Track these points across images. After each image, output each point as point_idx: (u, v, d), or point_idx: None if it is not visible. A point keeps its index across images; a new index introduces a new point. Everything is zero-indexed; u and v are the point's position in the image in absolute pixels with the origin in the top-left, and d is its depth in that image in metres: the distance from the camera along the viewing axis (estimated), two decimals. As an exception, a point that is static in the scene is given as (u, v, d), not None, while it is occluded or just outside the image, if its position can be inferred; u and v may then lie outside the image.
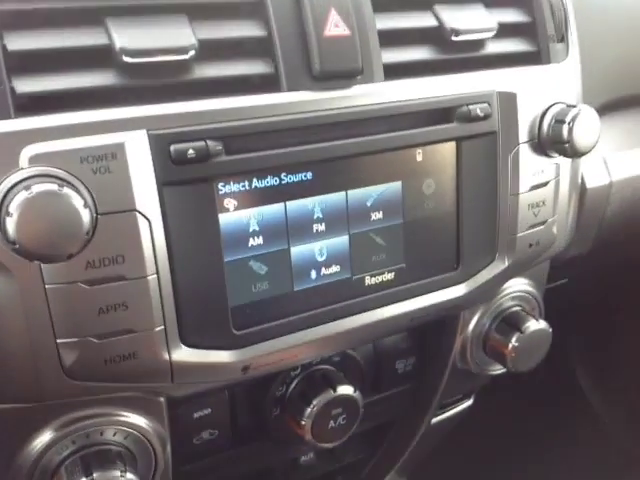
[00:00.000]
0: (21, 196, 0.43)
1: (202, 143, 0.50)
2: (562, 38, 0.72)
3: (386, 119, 0.59)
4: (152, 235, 0.50)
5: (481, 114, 0.62)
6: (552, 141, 0.66)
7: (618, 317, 1.31)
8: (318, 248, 0.60)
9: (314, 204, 0.58)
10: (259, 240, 0.56)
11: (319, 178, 0.58)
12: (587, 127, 0.65)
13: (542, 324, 0.77)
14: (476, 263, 0.68)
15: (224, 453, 0.72)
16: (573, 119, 0.65)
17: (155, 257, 0.50)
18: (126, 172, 0.48)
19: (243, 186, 0.54)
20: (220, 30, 0.53)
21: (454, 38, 0.63)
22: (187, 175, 0.51)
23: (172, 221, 0.51)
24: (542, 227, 0.70)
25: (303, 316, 0.60)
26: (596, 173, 0.82)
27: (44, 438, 0.55)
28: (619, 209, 0.84)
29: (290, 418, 0.70)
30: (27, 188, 0.43)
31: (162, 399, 0.59)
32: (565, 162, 0.71)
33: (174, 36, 0.51)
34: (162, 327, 0.52)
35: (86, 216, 0.45)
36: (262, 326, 0.58)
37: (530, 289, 0.81)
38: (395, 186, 0.62)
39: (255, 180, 0.55)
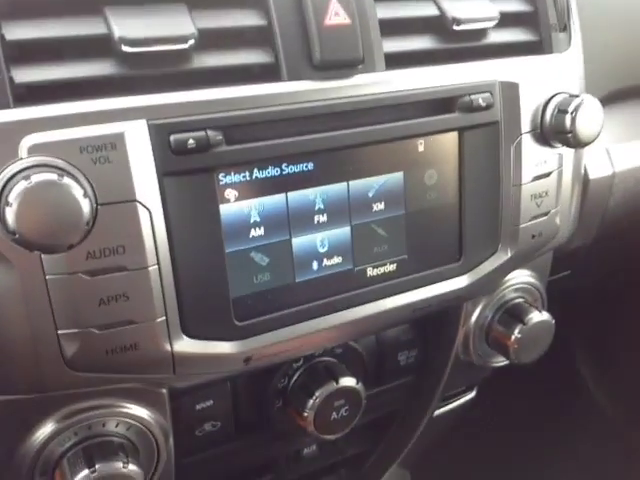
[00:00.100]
0: (20, 186, 0.43)
1: (202, 133, 0.50)
2: (564, 28, 0.72)
3: (387, 109, 0.58)
4: (153, 226, 0.50)
5: (483, 104, 0.62)
6: (555, 131, 0.65)
7: (620, 309, 1.31)
8: (320, 239, 0.59)
9: (315, 195, 0.58)
10: (260, 231, 0.56)
11: (320, 168, 0.57)
12: (590, 117, 0.65)
13: (545, 315, 0.76)
14: (479, 254, 0.68)
15: (226, 445, 0.72)
16: (576, 109, 0.64)
17: (156, 248, 0.50)
18: (126, 162, 0.48)
19: (244, 176, 0.54)
20: (220, 19, 0.53)
21: (456, 27, 0.62)
22: (187, 165, 0.50)
23: (173, 212, 0.51)
24: (545, 218, 0.70)
25: (305, 307, 0.59)
26: (599, 164, 0.81)
27: (46, 430, 0.55)
28: (622, 200, 0.84)
29: (292, 410, 0.69)
30: (26, 178, 0.43)
31: (164, 390, 0.59)
32: (568, 152, 0.71)
33: (173, 25, 0.51)
34: (163, 318, 0.52)
35: (86, 206, 0.44)
36: (264, 317, 0.57)
37: (533, 281, 0.80)
38: (397, 177, 0.61)
39: (256, 170, 0.54)
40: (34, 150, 0.45)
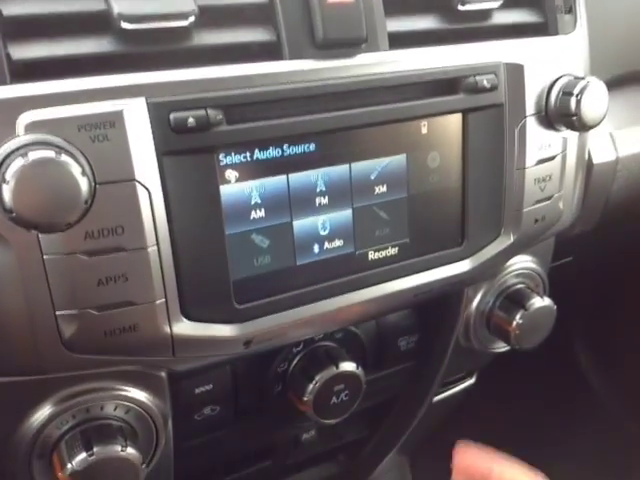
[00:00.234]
0: (18, 163, 0.42)
1: (202, 112, 0.49)
2: (570, 9, 0.70)
3: (391, 89, 0.57)
4: (152, 206, 0.49)
5: (488, 85, 0.61)
6: (560, 114, 0.64)
7: (620, 297, 1.31)
8: (321, 222, 0.59)
9: (317, 177, 0.57)
10: (261, 213, 0.55)
11: (322, 150, 0.56)
12: (595, 99, 0.64)
13: (546, 301, 0.76)
14: (481, 239, 0.67)
15: (225, 429, 0.72)
16: (581, 91, 0.63)
17: (155, 228, 0.49)
18: (125, 141, 0.47)
19: (244, 157, 0.53)
20: (221, -4, 0.52)
21: (460, 7, 0.61)
22: (187, 144, 0.49)
23: (172, 192, 0.50)
24: (548, 202, 0.69)
25: (306, 291, 0.59)
26: (602, 149, 0.81)
27: (44, 412, 0.54)
28: (625, 185, 0.83)
29: (292, 394, 0.69)
30: (24, 155, 0.42)
31: (163, 374, 0.59)
32: (572, 136, 0.70)
33: (173, 2, 0.49)
34: (163, 300, 0.51)
35: (84, 184, 0.44)
36: (264, 300, 0.57)
37: (534, 266, 0.80)
38: (399, 159, 0.61)
39: (257, 151, 0.54)
40: (31, 127, 0.44)
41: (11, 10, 0.46)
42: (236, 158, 0.53)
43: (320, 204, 0.58)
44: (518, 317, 0.74)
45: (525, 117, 0.64)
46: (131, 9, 0.48)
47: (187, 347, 0.54)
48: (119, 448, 0.54)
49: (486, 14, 0.64)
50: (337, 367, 0.67)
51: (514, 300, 0.76)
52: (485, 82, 0.61)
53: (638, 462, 1.28)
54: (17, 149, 0.43)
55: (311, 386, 0.67)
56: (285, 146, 0.55)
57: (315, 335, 0.70)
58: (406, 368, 0.84)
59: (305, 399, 0.67)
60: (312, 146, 0.56)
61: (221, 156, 0.52)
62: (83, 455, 0.53)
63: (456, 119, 0.62)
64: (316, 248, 0.59)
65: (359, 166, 0.59)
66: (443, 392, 0.90)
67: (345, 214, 0.60)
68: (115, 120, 0.46)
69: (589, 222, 0.83)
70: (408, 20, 0.60)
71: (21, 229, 0.43)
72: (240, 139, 0.52)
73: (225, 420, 0.70)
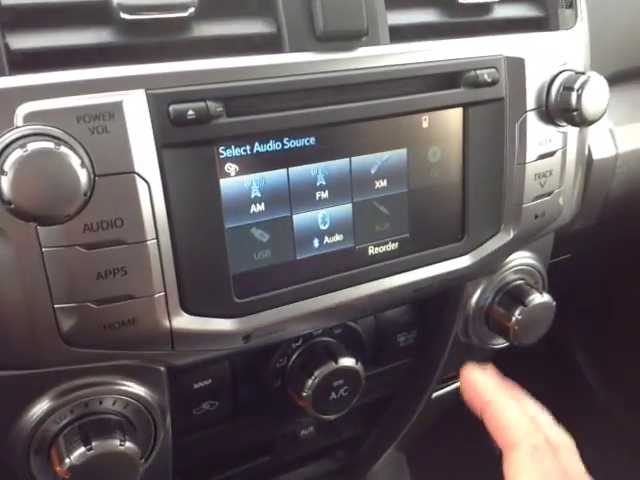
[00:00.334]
0: (16, 154, 0.41)
1: (202, 104, 0.49)
2: (570, 4, 0.70)
3: (391, 83, 0.57)
4: (151, 199, 0.48)
5: (489, 79, 0.61)
6: (560, 109, 0.64)
7: (618, 294, 1.31)
8: (321, 216, 0.58)
9: (317, 171, 0.57)
10: (261, 207, 0.55)
11: (322, 144, 0.56)
12: (596, 95, 0.64)
13: (546, 297, 0.76)
14: (481, 234, 0.67)
15: (224, 425, 0.72)
16: (582, 86, 0.63)
17: (155, 222, 0.49)
18: (124, 132, 0.46)
19: (244, 150, 0.53)
20: (221, -13, 0.52)
21: (461, 1, 0.61)
22: (187, 137, 0.49)
23: (172, 185, 0.49)
24: (548, 198, 0.69)
25: (305, 285, 0.58)
26: (602, 144, 0.80)
27: (42, 407, 0.54)
28: (624, 181, 0.83)
29: (291, 389, 0.69)
30: (22, 146, 0.42)
31: (162, 368, 0.58)
32: (572, 132, 0.70)
33: (173, -7, 0.49)
34: (162, 293, 0.51)
35: (83, 176, 0.43)
36: (264, 295, 0.56)
37: (534, 262, 0.80)
38: (400, 153, 0.60)
39: (257, 144, 0.53)
40: (30, 118, 0.44)
41: (10, 0, 0.46)
42: (236, 151, 0.52)
43: (320, 198, 0.58)
44: (517, 313, 0.74)
45: (526, 112, 0.64)
46: (131, 0, 0.47)
47: (186, 341, 0.54)
48: (118, 442, 0.53)
49: (487, 8, 0.64)
50: (336, 362, 0.67)
51: (513, 296, 0.76)
52: (486, 76, 0.60)
53: (638, 461, 1.28)
54: (16, 140, 0.43)
55: (310, 381, 0.67)
56: (285, 139, 0.54)
57: (314, 330, 0.70)
58: (405, 364, 0.84)
59: (304, 394, 0.67)
60: (312, 140, 0.56)
61: (221, 149, 0.52)
62: (82, 449, 0.52)
63: (457, 113, 0.62)
64: (316, 242, 0.59)
65: (359, 160, 0.58)
66: (442, 388, 0.90)
67: (345, 208, 0.59)
68: (114, 111, 0.46)
69: (589, 218, 0.83)
70: (409, 13, 0.59)
71: (20, 221, 0.43)
72: (240, 132, 0.51)
73: (224, 415, 0.70)
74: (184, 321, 0.52)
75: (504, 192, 0.66)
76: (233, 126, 0.51)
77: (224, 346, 0.57)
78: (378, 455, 0.97)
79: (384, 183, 0.60)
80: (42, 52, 0.46)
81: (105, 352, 0.51)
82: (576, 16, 0.70)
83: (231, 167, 0.53)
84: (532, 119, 0.65)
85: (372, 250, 0.62)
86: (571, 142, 0.70)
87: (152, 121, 0.47)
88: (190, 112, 0.48)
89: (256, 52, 0.52)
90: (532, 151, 0.66)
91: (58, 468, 0.53)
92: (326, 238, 0.59)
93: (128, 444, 0.54)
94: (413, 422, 0.92)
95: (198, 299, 0.53)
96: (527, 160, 0.66)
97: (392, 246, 0.63)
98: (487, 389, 0.52)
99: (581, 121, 0.64)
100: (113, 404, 0.56)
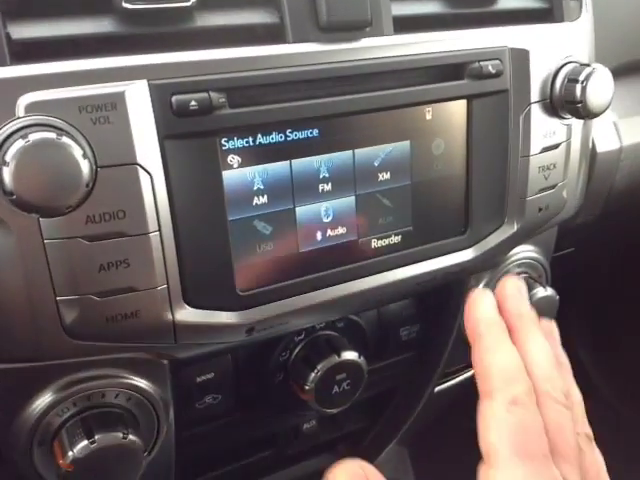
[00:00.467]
0: (18, 145, 0.41)
1: (205, 95, 0.48)
2: (575, -5, 0.70)
3: (395, 74, 0.57)
4: (154, 190, 0.48)
5: (493, 71, 0.60)
6: (565, 101, 0.64)
7: (621, 289, 1.30)
8: (324, 209, 0.58)
9: (320, 163, 0.56)
10: (264, 199, 0.55)
11: (325, 135, 0.56)
12: (601, 87, 0.63)
13: (549, 291, 0.76)
14: (484, 227, 0.67)
15: (226, 418, 0.71)
16: (587, 78, 0.63)
17: (157, 214, 0.49)
18: (126, 123, 0.46)
19: (247, 142, 0.52)
20: (223, -23, 0.51)
21: (466, -9, 0.61)
22: (189, 128, 0.49)
23: (174, 176, 0.49)
24: (552, 191, 0.69)
25: (308, 278, 0.58)
26: (606, 137, 0.80)
27: (44, 400, 0.54)
28: (628, 174, 0.83)
29: (294, 383, 0.69)
30: (24, 137, 0.41)
31: (165, 362, 0.58)
32: (577, 124, 0.69)
33: (175, -18, 0.49)
34: (165, 286, 0.50)
35: (85, 167, 0.43)
36: (267, 287, 0.56)
37: (537, 256, 0.79)
38: (403, 145, 0.60)
39: (260, 136, 0.53)
40: (32, 109, 0.43)
41: (10, -10, 0.45)
42: (239, 143, 0.52)
43: (323, 191, 0.57)
44: (521, 306, 0.74)
45: (530, 104, 0.63)
46: (133, -11, 0.47)
47: (189, 334, 0.53)
48: (120, 436, 0.53)
49: (491, -1, 0.63)
50: (339, 356, 0.67)
51: (517, 290, 0.76)
52: (490, 68, 0.60)
53: (637, 454, 1.28)
54: (17, 131, 0.42)
55: (313, 375, 0.66)
56: (288, 131, 0.54)
57: (317, 323, 0.69)
58: (407, 358, 0.84)
59: (307, 388, 0.67)
60: (315, 131, 0.55)
61: (223, 140, 0.51)
62: (84, 442, 0.52)
63: (461, 105, 0.61)
64: (319, 235, 0.59)
65: (362, 152, 0.58)
66: (444, 382, 0.90)
67: (348, 201, 0.59)
68: (116, 102, 0.45)
69: (592, 211, 0.83)
70: (413, 4, 0.59)
71: (21, 213, 0.43)
72: (243, 123, 0.51)
73: (226, 409, 0.70)
74: (187, 314, 0.52)
75: (508, 185, 0.65)
76: (236, 117, 0.50)
77: (227, 339, 0.57)
78: (380, 449, 0.97)
79: (387, 175, 0.60)
80: (44, 42, 0.46)
81: (108, 345, 0.51)
82: (581, 7, 0.70)
83: (234, 159, 0.52)
84: (536, 111, 0.64)
85: (375, 243, 0.62)
86: (575, 135, 0.69)
87: (154, 112, 0.47)
88: (192, 103, 0.48)
89: (259, 42, 0.52)
90: (536, 144, 0.65)
91: (61, 461, 0.52)
92: (329, 231, 0.59)
93: (131, 437, 0.54)
94: (416, 416, 0.92)
95: (201, 292, 0.53)
96: (531, 153, 0.65)
97: (395, 239, 0.62)
98: (482, 319, 0.45)
99: (585, 113, 0.64)
100: (116, 397, 0.56)
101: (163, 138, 0.48)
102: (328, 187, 0.57)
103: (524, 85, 0.63)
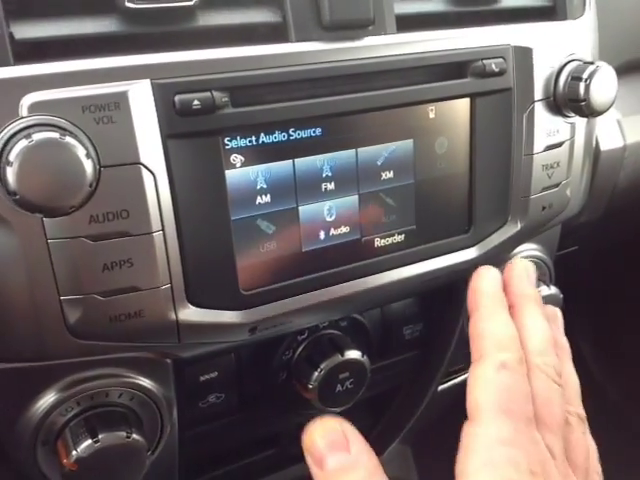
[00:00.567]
0: (21, 145, 0.41)
1: (208, 94, 0.48)
2: (579, -7, 0.70)
3: (398, 73, 0.57)
4: (157, 190, 0.48)
5: (496, 69, 0.60)
6: (568, 99, 0.63)
7: (624, 286, 1.30)
8: (327, 208, 0.58)
9: (323, 162, 0.56)
10: (267, 198, 0.55)
11: (329, 134, 0.56)
12: (604, 85, 0.63)
13: (553, 290, 0.75)
14: (488, 226, 0.67)
15: (230, 417, 0.71)
16: (590, 76, 0.63)
17: (161, 213, 0.49)
18: (130, 123, 0.46)
19: (250, 141, 0.52)
20: (226, -24, 0.51)
21: (469, -11, 0.61)
22: (192, 127, 0.49)
23: (177, 176, 0.49)
24: (556, 189, 0.68)
25: (311, 277, 0.58)
26: (610, 136, 0.80)
27: (48, 399, 0.54)
28: (632, 172, 0.82)
29: (297, 382, 0.69)
30: (27, 137, 0.41)
31: (168, 361, 0.58)
32: (580, 122, 0.69)
33: (178, -19, 0.49)
34: (168, 285, 0.50)
35: (89, 167, 0.43)
36: (270, 287, 0.56)
37: (541, 254, 0.79)
38: (406, 144, 0.60)
39: (263, 135, 0.53)
40: (35, 108, 0.43)
41: (14, -10, 0.45)
42: (242, 142, 0.52)
43: (326, 190, 0.57)
44: (524, 305, 0.74)
45: (533, 102, 0.63)
46: (135, -11, 0.47)
47: (192, 333, 0.53)
48: (124, 435, 0.53)
49: (494, -3, 0.63)
50: (342, 355, 0.67)
51: (520, 288, 0.76)
52: (493, 66, 0.60)
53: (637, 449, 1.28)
54: (21, 130, 0.42)
55: (316, 374, 0.66)
56: (291, 130, 0.54)
57: (320, 322, 0.69)
58: (411, 357, 0.83)
59: (310, 387, 0.67)
60: (318, 130, 0.55)
61: (227, 140, 0.51)
62: (88, 442, 0.52)
63: (464, 104, 0.61)
64: (322, 234, 0.58)
65: (366, 151, 0.58)
66: (448, 381, 0.90)
67: (351, 200, 0.59)
68: (120, 101, 0.45)
69: (596, 210, 0.83)
70: (416, 2, 0.59)
71: (25, 212, 0.43)
72: (246, 122, 0.51)
73: (230, 408, 0.70)
74: (190, 313, 0.52)
75: (511, 183, 0.65)
76: (239, 116, 0.50)
77: (230, 338, 0.57)
78: (384, 448, 0.97)
79: (390, 174, 0.60)
80: (47, 41, 0.46)
81: (111, 344, 0.51)
82: (584, 5, 0.69)
83: (237, 158, 0.52)
84: (540, 110, 0.64)
85: (378, 242, 0.62)
86: (579, 133, 0.69)
87: (157, 111, 0.47)
88: (195, 102, 0.48)
89: (262, 42, 0.52)
90: (540, 142, 0.65)
91: (65, 460, 0.53)
92: (332, 230, 0.59)
93: (134, 436, 0.54)
94: (419, 415, 0.91)
95: (204, 291, 0.53)
96: (534, 151, 0.65)
97: (398, 238, 0.62)
98: (484, 292, 0.46)
99: (589, 112, 0.64)
100: (119, 396, 0.56)
101: (166, 137, 0.48)
102: (331, 186, 0.57)
103: (527, 83, 0.63)
